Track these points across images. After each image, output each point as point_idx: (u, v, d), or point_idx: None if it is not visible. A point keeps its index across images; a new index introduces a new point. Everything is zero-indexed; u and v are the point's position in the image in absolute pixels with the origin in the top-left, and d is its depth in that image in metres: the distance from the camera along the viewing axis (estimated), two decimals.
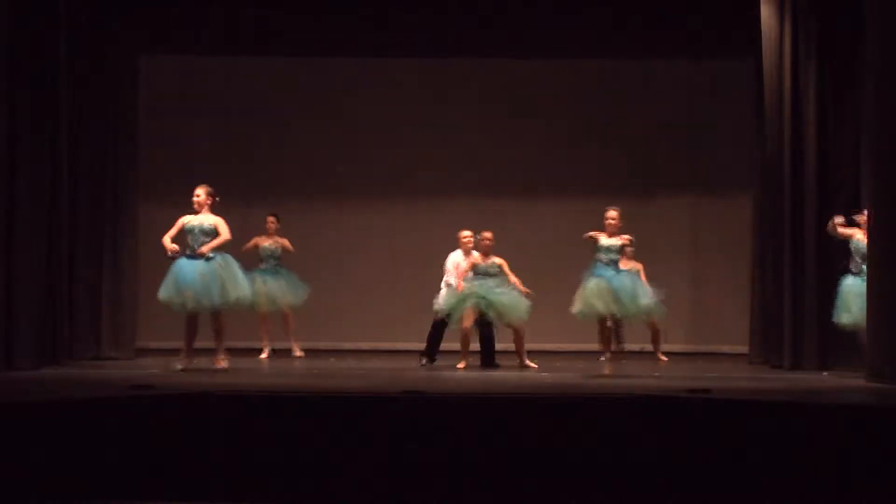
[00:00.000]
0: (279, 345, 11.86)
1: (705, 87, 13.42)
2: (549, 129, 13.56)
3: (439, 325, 10.84)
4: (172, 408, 7.25)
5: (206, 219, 9.77)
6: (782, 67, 10.78)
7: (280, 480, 7.05)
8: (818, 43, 10.54)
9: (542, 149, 13.54)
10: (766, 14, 10.88)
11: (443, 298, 10.74)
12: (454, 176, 13.53)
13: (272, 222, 11.83)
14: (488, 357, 10.84)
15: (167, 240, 9.66)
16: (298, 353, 11.80)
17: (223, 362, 9.77)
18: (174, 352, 11.75)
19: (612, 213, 10.15)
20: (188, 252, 9.66)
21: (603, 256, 10.02)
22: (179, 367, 9.70)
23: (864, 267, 9.56)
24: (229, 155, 13.51)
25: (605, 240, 10.08)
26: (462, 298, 10.57)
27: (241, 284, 9.70)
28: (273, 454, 7.07)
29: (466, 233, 11.01)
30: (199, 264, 9.57)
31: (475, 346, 10.86)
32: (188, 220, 9.78)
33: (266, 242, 11.76)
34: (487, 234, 10.84)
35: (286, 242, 11.77)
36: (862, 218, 9.75)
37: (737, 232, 12.12)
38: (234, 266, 9.76)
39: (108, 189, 11.31)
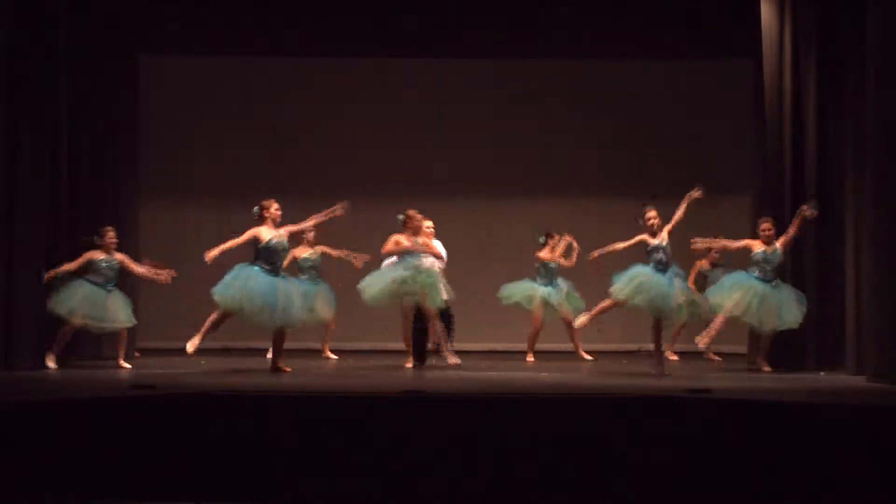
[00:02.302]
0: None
1: (705, 87, 13.42)
2: (548, 129, 13.57)
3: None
4: (172, 408, 7.25)
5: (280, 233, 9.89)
6: (782, 67, 10.78)
7: (280, 480, 7.05)
8: (818, 43, 10.54)
9: (540, 149, 13.55)
10: (766, 14, 10.88)
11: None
12: (453, 176, 13.53)
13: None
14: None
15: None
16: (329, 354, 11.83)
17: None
18: (174, 352, 11.75)
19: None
20: (267, 267, 9.71)
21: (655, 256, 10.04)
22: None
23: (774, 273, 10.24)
24: (229, 155, 13.51)
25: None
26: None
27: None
28: (273, 454, 7.07)
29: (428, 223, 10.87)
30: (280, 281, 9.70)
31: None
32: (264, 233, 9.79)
33: (305, 253, 11.60)
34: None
35: (326, 249, 11.63)
36: (765, 227, 10.34)
37: (736, 232, 12.06)
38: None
39: (108, 189, 11.32)
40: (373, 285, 10.42)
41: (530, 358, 11.54)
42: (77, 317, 10.13)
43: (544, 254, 11.62)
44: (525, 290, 11.62)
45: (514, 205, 13.54)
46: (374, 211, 11.87)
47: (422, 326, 10.47)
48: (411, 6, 12.29)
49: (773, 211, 10.71)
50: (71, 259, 10.29)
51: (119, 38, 11.41)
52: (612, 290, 10.02)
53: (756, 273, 10.33)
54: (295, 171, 13.46)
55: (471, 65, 13.43)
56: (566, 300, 11.51)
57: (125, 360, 10.51)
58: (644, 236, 10.05)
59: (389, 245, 10.47)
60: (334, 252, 11.57)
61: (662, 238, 10.02)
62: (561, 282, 11.62)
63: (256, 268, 9.69)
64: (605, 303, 10.19)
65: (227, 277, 9.64)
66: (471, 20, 12.44)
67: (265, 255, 9.73)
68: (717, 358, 11.76)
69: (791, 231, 10.28)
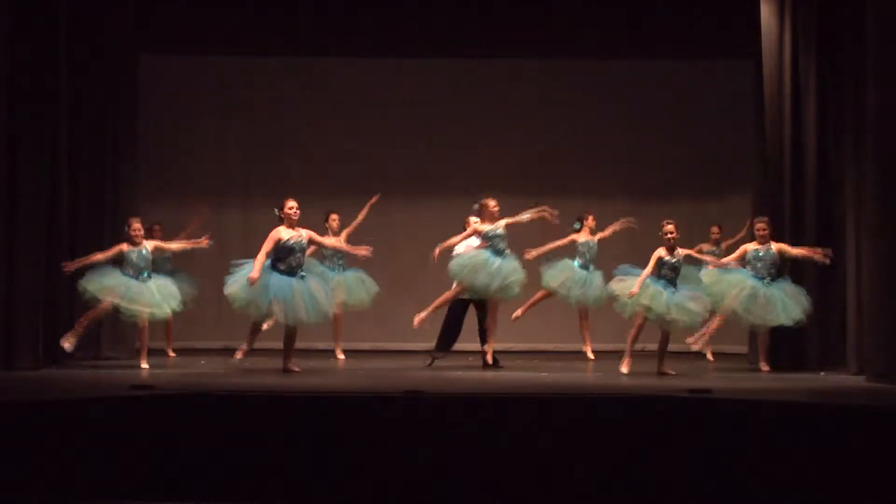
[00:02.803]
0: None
1: (705, 87, 13.42)
2: (548, 130, 13.56)
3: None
4: (172, 408, 7.25)
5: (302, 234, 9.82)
6: (782, 67, 10.78)
7: (280, 480, 7.05)
8: (818, 43, 10.54)
9: (540, 149, 13.54)
10: (766, 14, 10.88)
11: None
12: (453, 176, 13.51)
13: (335, 220, 11.51)
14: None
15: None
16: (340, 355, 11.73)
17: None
18: (174, 352, 11.76)
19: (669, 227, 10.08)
20: (282, 267, 9.64)
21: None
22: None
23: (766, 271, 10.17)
24: (229, 155, 13.50)
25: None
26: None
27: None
28: (273, 454, 7.08)
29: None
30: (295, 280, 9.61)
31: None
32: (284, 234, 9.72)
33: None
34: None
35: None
36: (759, 227, 10.32)
37: (736, 232, 12.10)
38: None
39: (108, 189, 11.31)
40: (476, 277, 10.42)
41: (518, 313, 11.47)
42: (109, 295, 9.88)
43: (581, 236, 11.62)
44: (563, 270, 11.57)
45: (513, 205, 13.52)
46: (376, 211, 11.86)
47: (460, 311, 10.64)
48: (413, 6, 12.29)
49: (772, 210, 10.71)
50: (72, 257, 10.27)
51: (119, 38, 11.40)
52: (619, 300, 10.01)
53: (749, 271, 10.31)
54: (294, 171, 13.45)
55: (470, 64, 13.41)
56: (590, 288, 11.41)
57: (146, 360, 10.28)
58: (660, 252, 9.91)
59: (469, 230, 10.67)
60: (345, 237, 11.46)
61: (679, 255, 9.91)
62: (595, 272, 11.54)
63: (271, 268, 9.62)
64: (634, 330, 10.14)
65: (238, 275, 9.60)
66: (471, 20, 12.43)
67: (282, 255, 9.66)
68: (710, 357, 11.69)
69: (794, 252, 10.17)
